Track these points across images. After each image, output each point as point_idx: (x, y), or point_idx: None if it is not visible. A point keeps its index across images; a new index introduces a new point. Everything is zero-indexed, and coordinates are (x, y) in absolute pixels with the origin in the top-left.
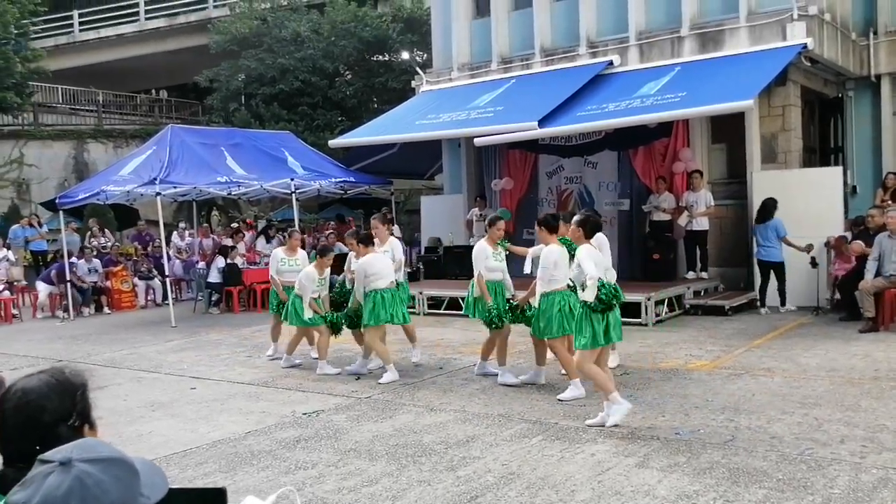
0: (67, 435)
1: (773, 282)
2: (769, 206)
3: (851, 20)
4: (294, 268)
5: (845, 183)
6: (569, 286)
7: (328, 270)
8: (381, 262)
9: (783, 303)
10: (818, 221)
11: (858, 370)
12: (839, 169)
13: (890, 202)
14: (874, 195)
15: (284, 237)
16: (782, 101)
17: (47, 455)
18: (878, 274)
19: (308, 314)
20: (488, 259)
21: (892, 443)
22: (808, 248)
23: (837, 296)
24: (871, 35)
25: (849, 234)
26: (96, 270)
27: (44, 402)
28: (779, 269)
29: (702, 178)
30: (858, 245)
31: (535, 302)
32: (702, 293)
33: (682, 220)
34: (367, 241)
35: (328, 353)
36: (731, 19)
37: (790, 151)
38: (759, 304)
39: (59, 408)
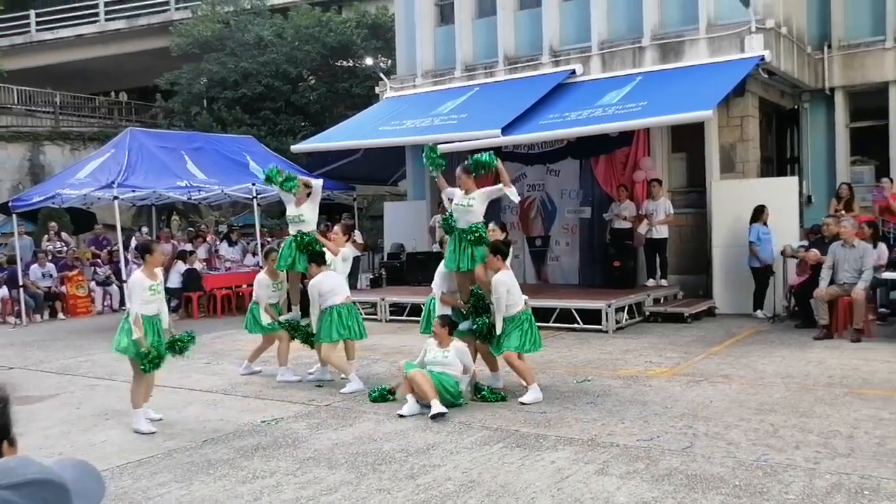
0: None
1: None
2: (753, 212)
3: (807, 34)
4: None
5: (801, 192)
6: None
7: (282, 275)
8: (332, 280)
9: (754, 307)
10: (775, 230)
11: (813, 377)
12: (795, 179)
13: (843, 212)
14: (828, 204)
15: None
16: (741, 112)
17: None
18: (831, 282)
19: (266, 320)
20: (452, 282)
21: (844, 448)
22: (784, 251)
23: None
24: (826, 49)
25: (805, 243)
26: (51, 275)
27: None
28: (754, 273)
29: (661, 187)
30: (814, 253)
31: (498, 328)
32: (661, 300)
33: (642, 228)
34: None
35: (288, 360)
36: (691, 31)
37: (748, 161)
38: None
39: None
